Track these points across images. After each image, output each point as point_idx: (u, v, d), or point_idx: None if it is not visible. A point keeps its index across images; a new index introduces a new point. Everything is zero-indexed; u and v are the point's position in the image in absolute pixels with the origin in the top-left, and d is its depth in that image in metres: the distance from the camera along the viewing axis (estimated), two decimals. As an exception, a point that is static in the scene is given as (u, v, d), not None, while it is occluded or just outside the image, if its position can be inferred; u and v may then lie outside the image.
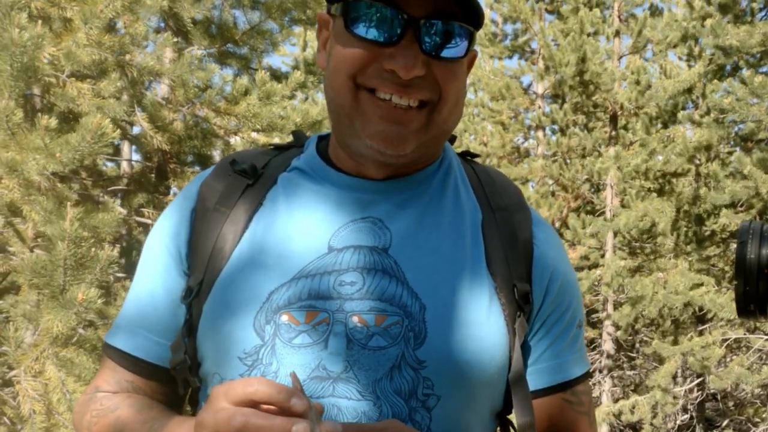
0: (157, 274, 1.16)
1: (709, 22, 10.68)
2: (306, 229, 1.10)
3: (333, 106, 1.09)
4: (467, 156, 1.26)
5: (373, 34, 1.02)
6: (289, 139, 1.28)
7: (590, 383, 1.15)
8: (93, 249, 4.11)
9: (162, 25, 6.51)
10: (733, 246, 13.17)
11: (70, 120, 4.82)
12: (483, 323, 1.06)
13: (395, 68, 1.01)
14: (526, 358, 1.13)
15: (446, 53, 1.03)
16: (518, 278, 1.11)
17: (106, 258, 4.08)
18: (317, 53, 1.17)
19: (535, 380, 1.13)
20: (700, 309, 11.66)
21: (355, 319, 1.03)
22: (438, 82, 1.04)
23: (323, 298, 1.04)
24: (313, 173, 1.15)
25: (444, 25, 1.02)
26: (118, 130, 4.45)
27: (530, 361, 1.14)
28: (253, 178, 1.15)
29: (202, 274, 1.10)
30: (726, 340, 12.60)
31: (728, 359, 13.54)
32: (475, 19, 1.04)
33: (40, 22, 4.27)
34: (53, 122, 4.23)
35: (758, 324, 10.94)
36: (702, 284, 11.83)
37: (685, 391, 13.88)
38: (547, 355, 1.14)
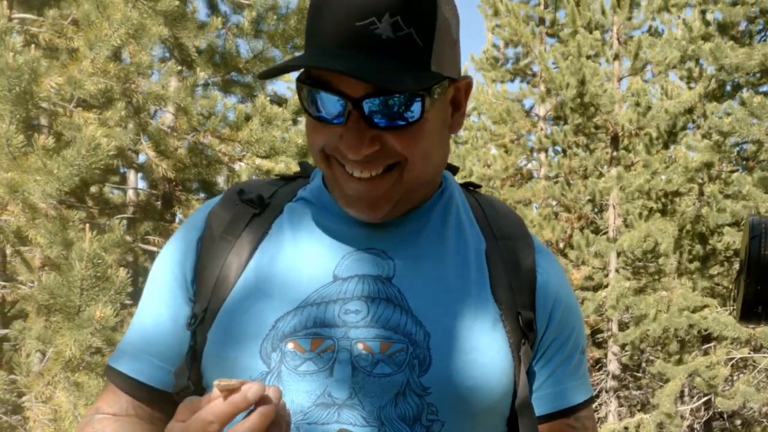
0: (162, 300, 1.16)
1: (707, 46, 10.68)
2: (311, 258, 1.12)
3: None
4: (470, 187, 1.28)
5: (323, 115, 1.02)
6: (292, 161, 1.29)
7: (594, 406, 1.15)
8: (109, 269, 4.12)
9: (167, 55, 6.57)
10: (737, 265, 13.10)
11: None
12: (487, 350, 1.08)
13: (343, 150, 1.01)
14: (531, 385, 1.14)
15: (398, 123, 1.01)
16: (522, 306, 1.12)
17: (120, 279, 4.10)
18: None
19: (537, 407, 1.14)
20: (705, 329, 11.58)
21: (360, 346, 1.05)
22: (398, 149, 1.02)
23: (328, 325, 1.06)
24: (318, 204, 1.17)
25: (390, 99, 0.99)
26: (113, 142, 4.45)
27: (533, 387, 1.15)
28: (260, 207, 1.17)
29: (206, 301, 1.11)
30: (731, 359, 12.51)
31: (735, 377, 13.43)
32: (420, 82, 0.99)
33: (33, 46, 4.30)
34: (51, 141, 4.24)
35: (763, 343, 10.85)
36: (706, 306, 11.77)
37: (692, 410, 13.78)
38: (550, 382, 1.16)
